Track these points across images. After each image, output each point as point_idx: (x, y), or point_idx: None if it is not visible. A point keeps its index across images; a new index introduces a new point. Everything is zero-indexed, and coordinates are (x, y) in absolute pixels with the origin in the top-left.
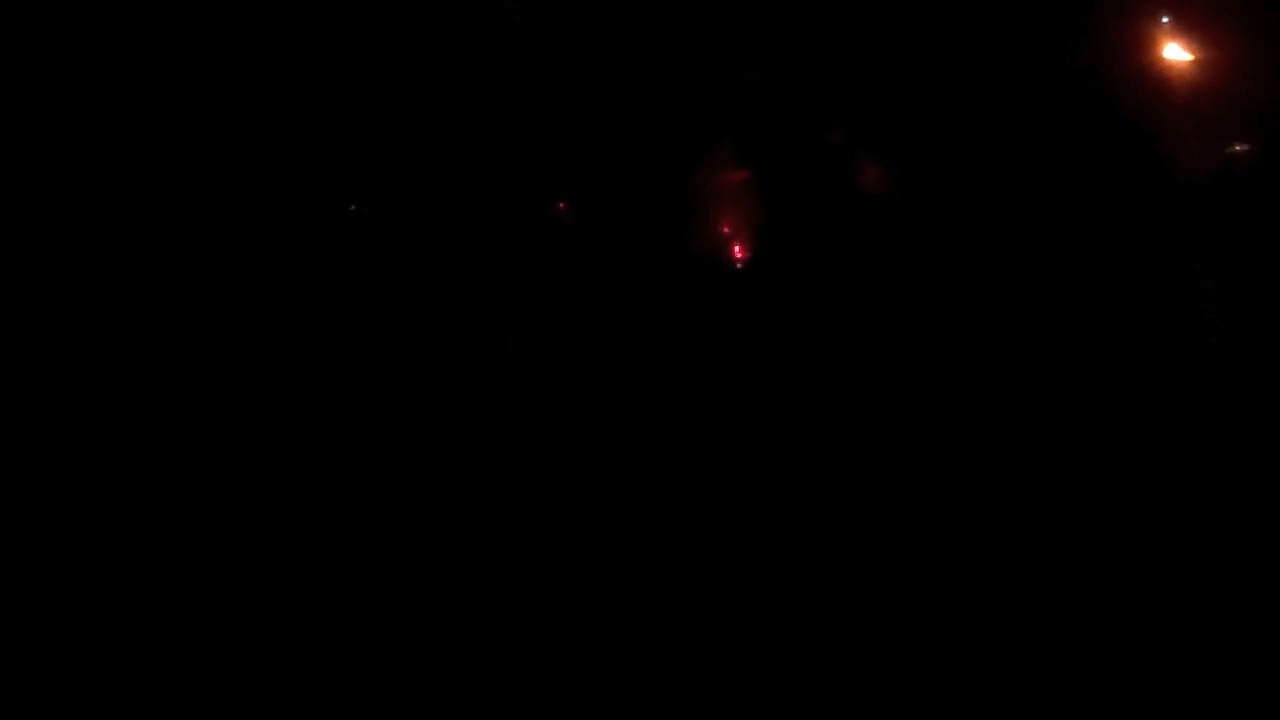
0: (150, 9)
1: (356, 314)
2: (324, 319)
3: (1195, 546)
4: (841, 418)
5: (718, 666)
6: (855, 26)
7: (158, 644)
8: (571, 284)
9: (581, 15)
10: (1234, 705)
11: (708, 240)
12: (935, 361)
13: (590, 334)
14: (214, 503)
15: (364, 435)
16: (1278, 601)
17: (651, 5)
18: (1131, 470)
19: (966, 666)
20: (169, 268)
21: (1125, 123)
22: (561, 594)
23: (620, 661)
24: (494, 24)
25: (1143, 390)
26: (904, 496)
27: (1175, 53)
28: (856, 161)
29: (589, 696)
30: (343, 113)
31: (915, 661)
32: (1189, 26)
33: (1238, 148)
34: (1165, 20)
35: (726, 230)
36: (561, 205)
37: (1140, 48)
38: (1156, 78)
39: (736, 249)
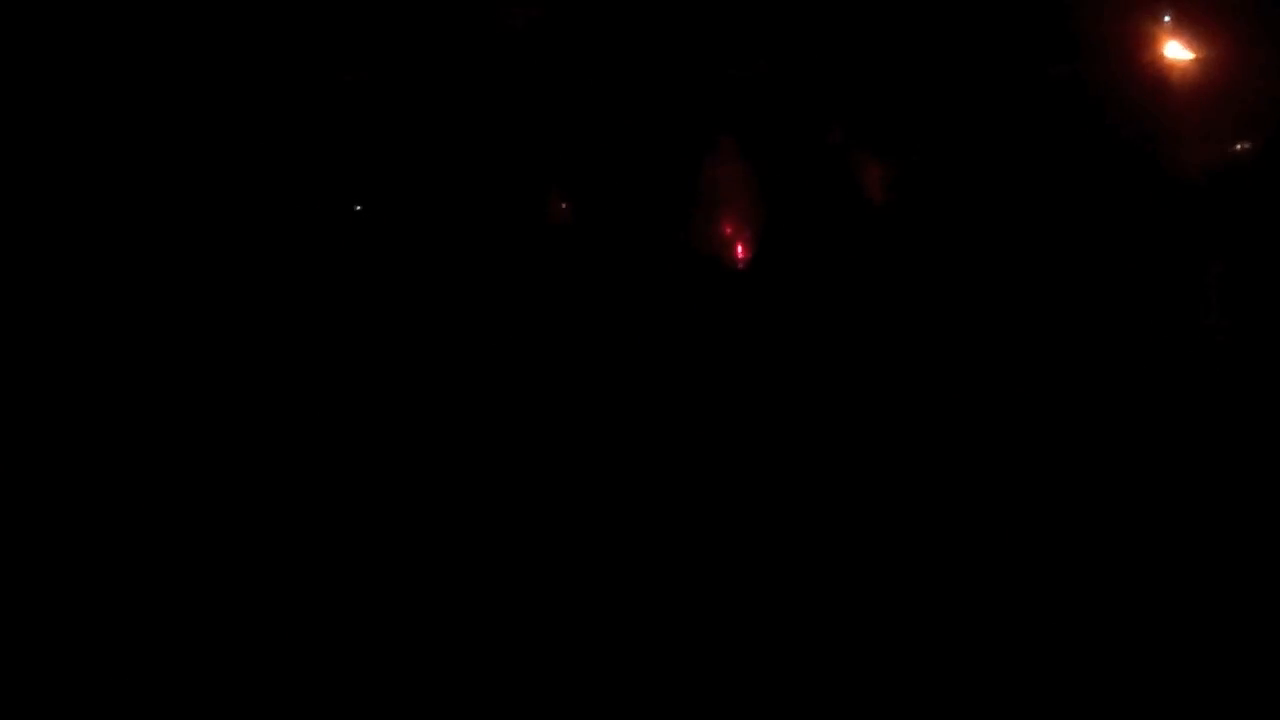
0: (150, 9)
1: (357, 314)
2: (324, 319)
3: (1196, 547)
4: (844, 417)
5: (718, 666)
6: (857, 25)
7: (158, 644)
8: (571, 284)
9: (582, 15)
10: (1234, 705)
11: (709, 241)
12: (936, 361)
13: (590, 334)
14: (214, 502)
15: (364, 435)
16: (1278, 601)
17: (651, 5)
18: (1132, 471)
19: (966, 666)
20: (169, 267)
21: (1126, 122)
22: (562, 594)
23: (620, 661)
24: (494, 24)
25: (1144, 391)
26: (908, 495)
27: (1176, 52)
28: (859, 161)
29: (589, 696)
30: (343, 113)
31: (916, 662)
32: (1190, 25)
33: (1239, 147)
34: (1166, 19)
35: (728, 231)
36: (562, 205)
37: (1141, 47)
38: (1157, 77)
39: (739, 249)
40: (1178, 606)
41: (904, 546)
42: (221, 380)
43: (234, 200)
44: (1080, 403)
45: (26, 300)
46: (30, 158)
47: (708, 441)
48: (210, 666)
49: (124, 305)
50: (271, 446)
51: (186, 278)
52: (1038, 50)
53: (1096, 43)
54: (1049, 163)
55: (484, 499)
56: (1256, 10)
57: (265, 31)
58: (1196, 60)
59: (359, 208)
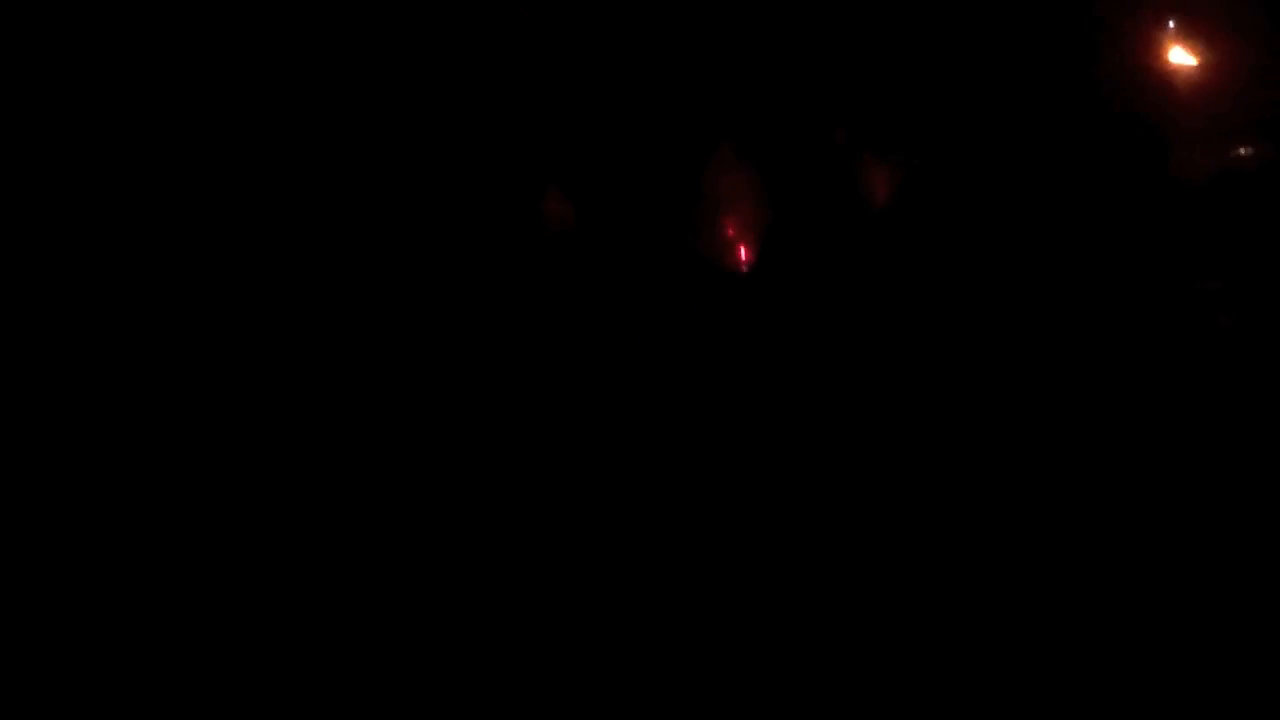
0: (150, 9)
1: (357, 314)
2: (324, 319)
3: (1196, 547)
4: (849, 420)
5: (718, 666)
6: (860, 26)
7: (158, 644)
8: (574, 287)
9: (582, 15)
10: (1234, 705)
11: (713, 243)
12: (942, 362)
13: (593, 338)
14: (213, 502)
15: (364, 435)
16: (1278, 601)
17: (652, 5)
18: (1133, 471)
19: (967, 667)
20: (169, 267)
21: (1129, 124)
22: (561, 594)
23: (620, 661)
24: (495, 24)
25: (1146, 391)
26: (915, 496)
27: (1180, 55)
28: (863, 164)
29: (589, 696)
30: (342, 112)
31: (918, 662)
32: (1194, 29)
33: (1244, 151)
34: (1171, 24)
35: (732, 233)
36: (564, 207)
37: (1145, 50)
38: (1161, 80)
39: (742, 252)
40: (1178, 606)
41: (910, 548)
42: (221, 380)
43: (234, 200)
44: (1087, 405)
45: (26, 300)
46: (30, 158)
47: (712, 444)
48: (210, 666)
49: (124, 305)
50: (271, 446)
51: (186, 278)
52: (1042, 52)
53: (1100, 44)
54: (1054, 165)
55: (485, 499)
56: (1261, 13)
57: (265, 32)
58: (1201, 63)
59: (358, 208)
